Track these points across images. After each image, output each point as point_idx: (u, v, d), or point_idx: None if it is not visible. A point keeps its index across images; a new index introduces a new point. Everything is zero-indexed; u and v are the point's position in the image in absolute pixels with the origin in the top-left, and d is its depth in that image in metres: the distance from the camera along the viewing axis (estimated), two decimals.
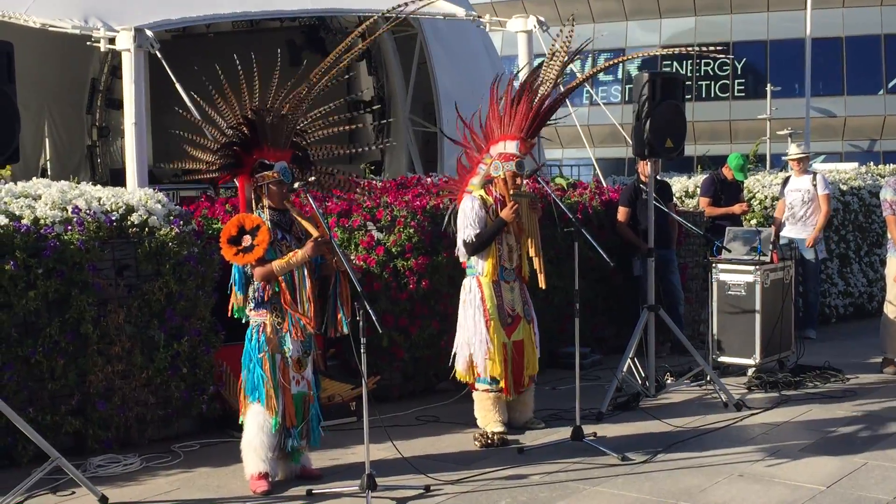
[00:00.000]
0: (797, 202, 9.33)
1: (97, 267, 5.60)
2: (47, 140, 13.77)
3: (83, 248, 5.51)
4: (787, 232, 9.25)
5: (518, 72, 6.28)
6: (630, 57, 6.76)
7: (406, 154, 13.16)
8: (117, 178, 10.52)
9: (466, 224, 5.97)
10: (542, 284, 6.04)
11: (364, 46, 5.20)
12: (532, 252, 6.02)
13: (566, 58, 6.14)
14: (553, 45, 6.22)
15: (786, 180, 9.60)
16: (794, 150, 9.65)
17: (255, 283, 5.04)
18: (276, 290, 5.01)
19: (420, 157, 12.94)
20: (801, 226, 9.32)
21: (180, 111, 5.44)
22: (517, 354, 6.10)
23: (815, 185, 9.28)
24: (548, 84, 6.10)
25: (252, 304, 5.06)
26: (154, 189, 6.45)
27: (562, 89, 6.20)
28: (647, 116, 6.69)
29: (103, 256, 5.66)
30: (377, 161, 13.55)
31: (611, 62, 6.18)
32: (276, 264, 4.95)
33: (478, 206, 5.98)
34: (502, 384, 6.04)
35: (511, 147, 6.07)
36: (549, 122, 6.42)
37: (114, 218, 5.77)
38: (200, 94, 5.37)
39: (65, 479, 5.01)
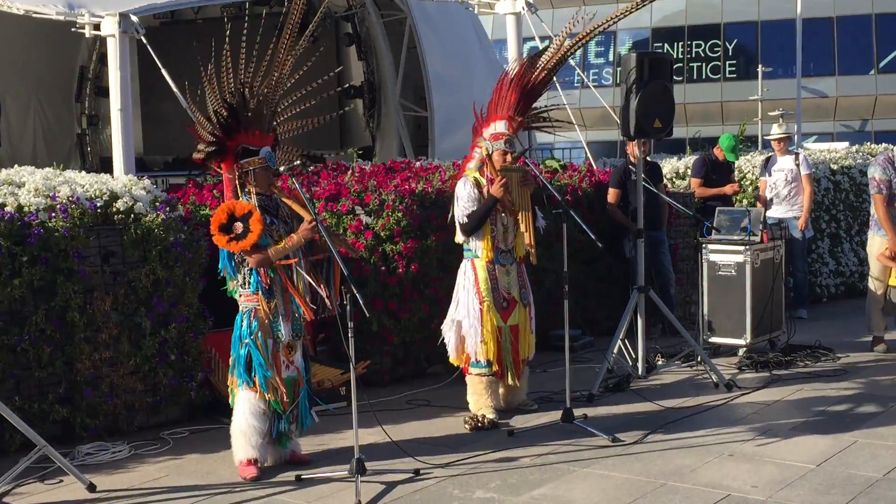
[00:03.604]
0: (781, 182, 9.36)
1: (82, 254, 5.57)
2: (36, 128, 13.68)
3: (68, 235, 5.48)
4: (773, 212, 9.26)
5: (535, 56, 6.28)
6: (605, 22, 6.71)
7: (397, 139, 13.12)
8: (107, 167, 10.45)
9: (461, 205, 5.98)
10: (532, 260, 6.03)
11: (318, 18, 5.12)
12: (522, 227, 6.01)
13: (566, 50, 6.13)
14: (563, 33, 6.19)
15: (767, 160, 9.62)
16: (775, 130, 9.70)
17: (245, 268, 5.01)
18: (272, 275, 4.99)
19: (411, 142, 12.89)
20: (787, 205, 9.34)
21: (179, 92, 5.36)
22: (514, 338, 6.09)
23: (797, 165, 9.31)
24: (544, 69, 6.09)
25: (245, 289, 5.02)
26: (140, 176, 6.41)
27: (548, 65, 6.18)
28: (634, 97, 6.66)
29: (88, 243, 5.62)
30: (368, 146, 13.50)
31: (587, 33, 6.12)
32: (273, 250, 4.93)
33: (470, 186, 5.98)
34: (495, 367, 6.03)
35: (500, 126, 6.07)
36: (542, 112, 6.40)
37: (98, 205, 5.72)
38: (189, 80, 5.32)
39: (52, 467, 4.99)
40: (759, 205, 9.32)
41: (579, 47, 6.40)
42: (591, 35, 6.26)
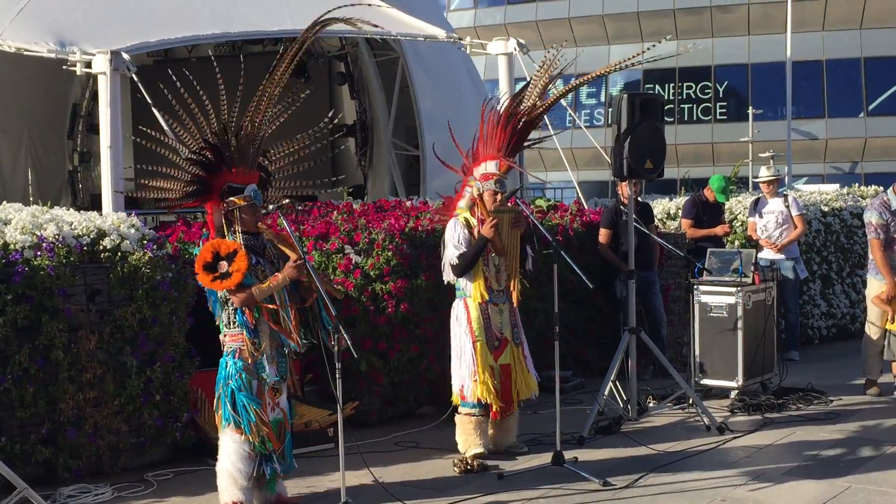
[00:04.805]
0: (772, 224, 9.36)
1: (68, 292, 5.51)
2: (28, 165, 13.66)
3: (53, 273, 5.41)
4: (765, 254, 9.25)
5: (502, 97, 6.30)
6: (600, 72, 6.81)
7: (388, 178, 13.12)
8: (98, 204, 10.42)
9: (451, 245, 5.94)
10: (514, 302, 6.01)
11: (301, 48, 5.07)
12: (508, 271, 5.98)
13: (546, 81, 6.15)
14: (539, 68, 6.21)
15: (755, 202, 9.63)
16: (764, 173, 9.73)
17: (230, 307, 4.95)
18: (258, 315, 4.93)
19: (403, 181, 12.90)
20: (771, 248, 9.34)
21: (156, 134, 5.34)
22: (505, 378, 6.03)
23: (787, 207, 9.33)
24: (528, 105, 6.10)
25: (230, 329, 4.96)
26: (129, 213, 6.36)
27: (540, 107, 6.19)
28: (626, 137, 6.66)
29: (74, 282, 5.56)
30: (359, 185, 13.50)
31: (585, 78, 6.24)
32: (257, 289, 4.87)
33: (460, 227, 5.96)
34: (495, 407, 5.96)
35: (491, 167, 6.07)
36: (531, 145, 6.40)
37: (85, 243, 5.67)
38: (178, 118, 5.28)
39: None
40: (763, 243, 9.31)
41: (571, 91, 6.43)
42: (584, 82, 6.29)
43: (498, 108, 6.18)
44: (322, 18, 5.09)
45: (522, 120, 6.12)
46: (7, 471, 4.73)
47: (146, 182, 5.14)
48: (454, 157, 6.37)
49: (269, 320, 4.94)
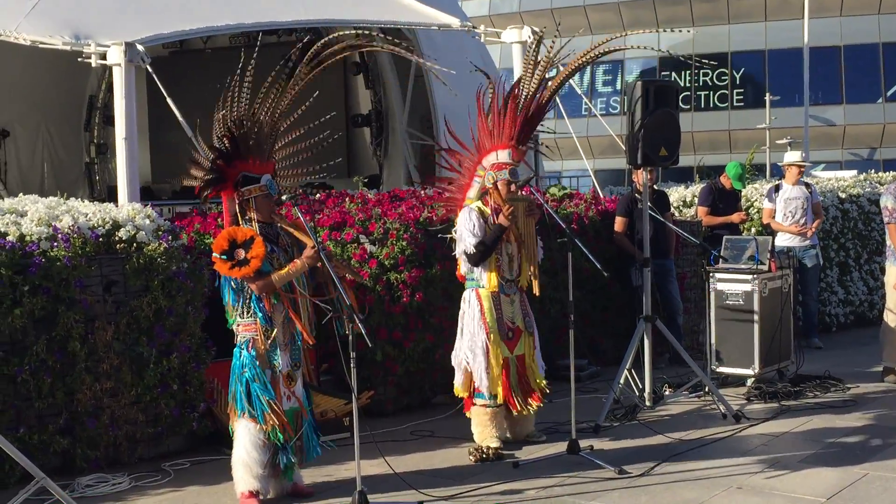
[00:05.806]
0: (798, 211, 9.27)
1: (84, 283, 5.54)
2: (45, 157, 13.75)
3: (69, 264, 5.45)
4: (788, 241, 9.17)
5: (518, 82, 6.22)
6: (605, 50, 6.70)
7: (404, 167, 13.12)
8: (115, 195, 10.47)
9: (467, 234, 5.91)
10: (535, 291, 6.00)
11: (334, 61, 5.13)
12: (525, 258, 5.97)
13: (548, 67, 6.12)
14: (530, 55, 6.15)
15: (776, 188, 9.53)
16: (796, 158, 9.58)
17: (245, 296, 4.96)
18: (276, 301, 4.95)
19: (418, 171, 12.90)
20: (802, 235, 9.26)
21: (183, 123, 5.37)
22: (521, 368, 6.03)
23: (811, 194, 9.29)
24: (530, 91, 6.06)
25: (244, 319, 4.98)
26: (144, 204, 6.39)
27: (550, 88, 6.14)
28: (640, 125, 6.63)
29: (90, 272, 5.59)
30: (375, 175, 13.50)
31: (586, 55, 6.12)
32: (277, 276, 4.89)
33: (475, 216, 5.94)
34: (500, 399, 5.96)
35: (503, 156, 6.04)
36: (544, 132, 6.37)
37: (100, 233, 5.70)
38: (196, 109, 5.32)
39: (51, 499, 4.92)
40: (791, 229, 9.21)
41: (573, 74, 6.39)
42: (584, 62, 6.25)
43: (498, 96, 6.11)
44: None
45: (532, 108, 6.08)
46: (25, 461, 4.76)
47: (188, 169, 5.15)
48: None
49: (288, 307, 4.95)
